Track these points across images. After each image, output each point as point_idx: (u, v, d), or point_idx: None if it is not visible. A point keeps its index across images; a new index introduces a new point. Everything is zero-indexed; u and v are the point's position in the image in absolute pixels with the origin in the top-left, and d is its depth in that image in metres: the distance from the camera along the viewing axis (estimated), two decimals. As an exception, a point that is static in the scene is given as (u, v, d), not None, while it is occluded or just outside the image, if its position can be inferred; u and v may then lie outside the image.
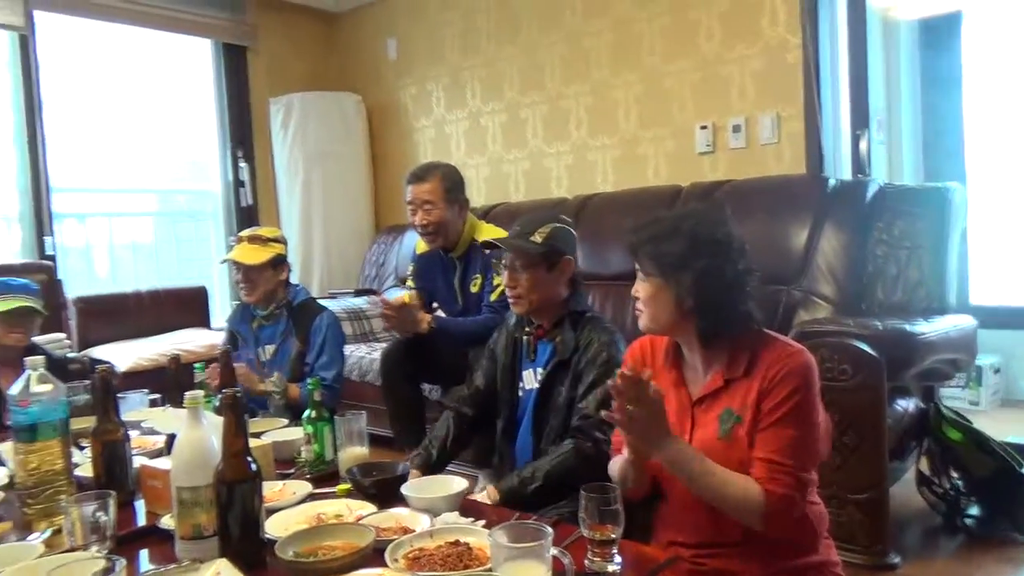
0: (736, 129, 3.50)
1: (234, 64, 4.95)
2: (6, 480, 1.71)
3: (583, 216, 3.66)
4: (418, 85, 4.85)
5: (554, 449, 1.76)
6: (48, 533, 1.41)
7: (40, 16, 4.15)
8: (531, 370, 1.91)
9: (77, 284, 4.27)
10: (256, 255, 2.54)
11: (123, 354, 3.67)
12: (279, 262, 2.60)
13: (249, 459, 1.29)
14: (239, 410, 1.31)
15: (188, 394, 1.37)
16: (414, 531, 1.33)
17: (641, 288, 1.43)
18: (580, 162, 4.10)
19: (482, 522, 1.36)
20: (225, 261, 2.66)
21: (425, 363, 2.67)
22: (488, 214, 3.88)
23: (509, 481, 1.72)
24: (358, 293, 4.42)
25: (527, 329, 1.94)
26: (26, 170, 4.12)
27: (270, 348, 2.63)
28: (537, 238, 1.83)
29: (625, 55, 3.85)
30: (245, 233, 2.64)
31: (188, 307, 4.32)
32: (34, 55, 4.13)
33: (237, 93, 4.95)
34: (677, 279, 1.37)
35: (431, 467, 1.87)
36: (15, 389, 1.50)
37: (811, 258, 2.81)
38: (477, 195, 4.49)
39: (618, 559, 1.21)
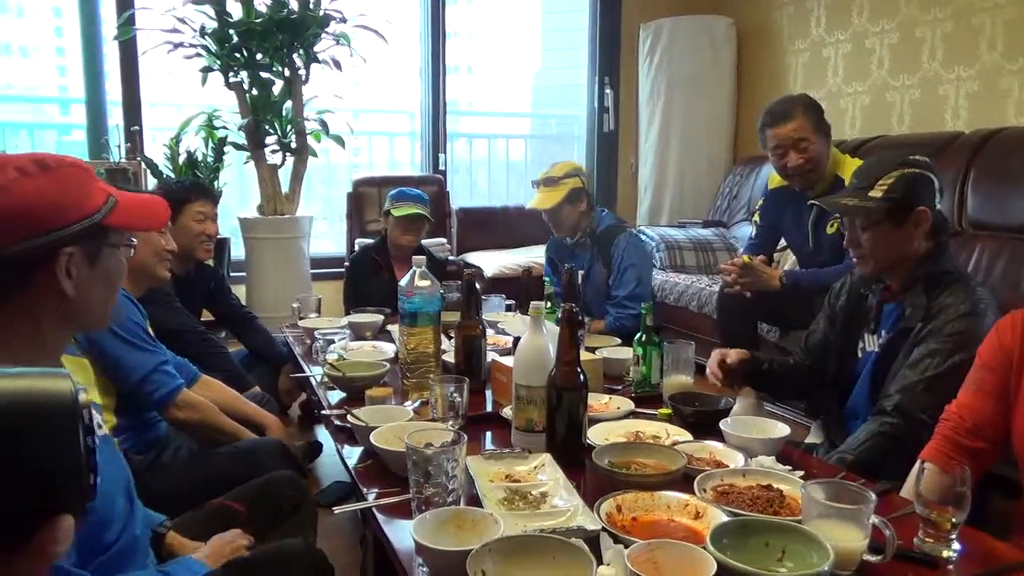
0: None
1: (611, -9, 5.07)
2: (393, 355, 2.09)
3: (982, 154, 3.12)
4: (796, 4, 4.46)
5: (862, 430, 1.53)
6: (418, 403, 1.69)
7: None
8: (872, 335, 1.70)
9: (460, 196, 4.93)
10: (549, 198, 2.72)
11: (489, 261, 4.15)
12: (574, 197, 2.71)
13: (579, 370, 1.40)
14: (575, 324, 1.42)
15: (533, 304, 1.52)
16: (727, 467, 1.33)
17: None
18: (987, 90, 3.45)
19: (800, 472, 1.30)
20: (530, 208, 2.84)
21: (764, 303, 2.57)
22: (860, 148, 3.50)
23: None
24: (706, 224, 4.35)
25: (873, 287, 1.71)
26: (429, 95, 4.79)
27: (580, 274, 2.79)
28: (877, 192, 1.57)
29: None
30: (540, 177, 2.80)
31: (546, 224, 4.68)
32: (444, -7, 4.71)
33: (610, 20, 5.06)
34: None
35: (751, 375, 1.80)
36: (404, 281, 1.80)
37: None
38: (851, 127, 4.07)
39: (956, 546, 1.07)
